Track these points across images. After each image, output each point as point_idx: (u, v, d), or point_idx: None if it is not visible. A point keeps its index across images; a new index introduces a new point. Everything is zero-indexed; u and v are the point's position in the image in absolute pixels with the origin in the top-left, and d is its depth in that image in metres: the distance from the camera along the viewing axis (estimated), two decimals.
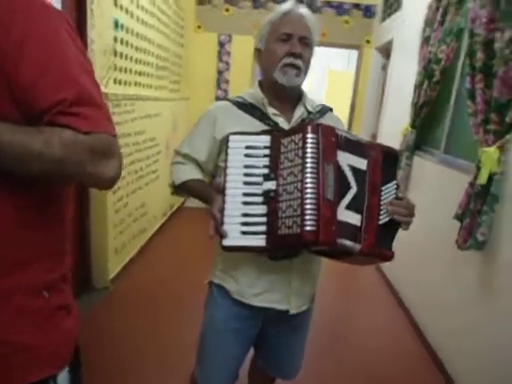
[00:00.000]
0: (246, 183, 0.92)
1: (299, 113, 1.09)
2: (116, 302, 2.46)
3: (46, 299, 0.69)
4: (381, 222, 0.92)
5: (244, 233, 0.90)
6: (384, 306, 2.78)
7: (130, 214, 2.84)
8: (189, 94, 4.38)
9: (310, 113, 1.11)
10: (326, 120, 1.12)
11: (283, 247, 0.93)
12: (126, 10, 2.48)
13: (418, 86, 2.63)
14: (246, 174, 0.92)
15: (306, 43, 1.04)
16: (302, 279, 1.09)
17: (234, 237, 0.90)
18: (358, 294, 3.04)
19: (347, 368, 2.07)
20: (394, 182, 0.95)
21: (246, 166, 0.92)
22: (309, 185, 0.83)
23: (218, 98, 4.43)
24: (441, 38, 2.36)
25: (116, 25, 2.36)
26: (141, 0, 2.70)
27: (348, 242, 0.87)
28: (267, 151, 0.92)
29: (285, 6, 1.05)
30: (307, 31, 1.04)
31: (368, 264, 1.09)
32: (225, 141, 0.95)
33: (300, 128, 0.90)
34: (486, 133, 1.72)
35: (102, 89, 0.68)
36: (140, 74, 2.83)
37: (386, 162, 0.94)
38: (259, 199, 0.90)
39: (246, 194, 0.91)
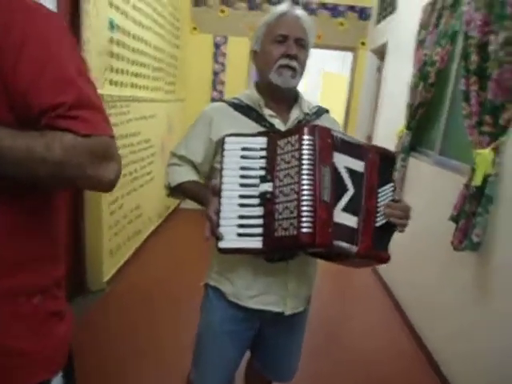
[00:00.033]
0: (242, 185, 0.91)
1: (295, 114, 1.09)
2: (111, 305, 2.44)
3: (40, 304, 0.68)
4: (377, 225, 0.92)
5: (240, 235, 0.90)
6: (380, 308, 2.78)
7: (125, 215, 2.82)
8: (184, 96, 4.37)
9: (306, 114, 1.11)
10: (322, 121, 1.11)
11: (280, 249, 0.93)
12: (122, 11, 2.47)
13: (413, 88, 2.64)
14: (243, 176, 0.91)
15: (302, 45, 1.04)
16: (298, 281, 1.09)
17: (230, 239, 0.90)
18: (354, 295, 3.04)
19: (342, 369, 2.07)
20: (391, 184, 0.95)
21: (243, 168, 0.92)
22: (305, 187, 0.83)
23: (213, 100, 4.42)
24: (436, 40, 2.37)
25: (112, 26, 2.35)
26: (136, 1, 2.69)
27: (344, 244, 0.87)
28: (263, 153, 0.92)
29: (280, 8, 1.05)
30: (303, 33, 1.04)
31: (364, 266, 1.09)
32: (221, 142, 0.95)
33: (296, 130, 0.90)
34: (480, 135, 1.72)
35: (98, 90, 0.68)
36: (136, 75, 2.81)
37: (383, 164, 0.94)
38: (255, 201, 0.90)
39: (242, 196, 0.91)
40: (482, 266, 1.77)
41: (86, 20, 2.06)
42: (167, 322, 2.30)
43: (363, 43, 4.37)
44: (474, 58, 1.75)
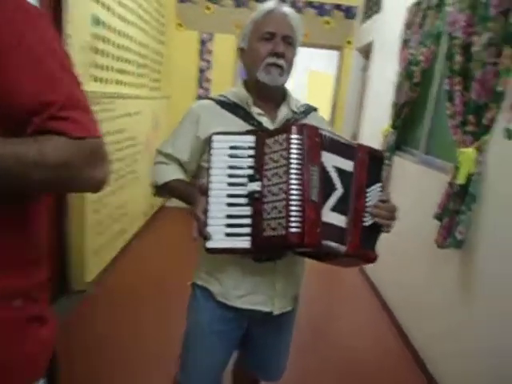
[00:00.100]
0: (230, 184, 0.90)
1: (284, 113, 1.08)
2: (95, 305, 2.39)
3: (20, 309, 0.66)
4: (365, 224, 0.92)
5: (228, 234, 0.89)
6: (367, 308, 2.80)
7: (109, 214, 2.77)
8: (170, 93, 4.32)
9: (294, 113, 1.10)
10: (310, 120, 1.11)
11: (268, 249, 0.92)
12: (107, 7, 2.42)
13: (399, 87, 2.67)
14: (231, 175, 0.90)
15: (290, 42, 1.03)
16: (286, 281, 1.08)
17: (218, 239, 0.89)
18: (342, 295, 3.05)
19: (329, 366, 2.09)
20: (379, 184, 0.95)
21: (231, 167, 0.90)
22: (294, 186, 0.82)
23: (199, 97, 4.39)
24: (421, 40, 2.40)
25: (97, 22, 2.30)
26: None
27: (333, 244, 0.87)
28: (252, 152, 0.91)
29: (268, 5, 1.04)
30: (290, 30, 1.03)
31: (351, 266, 1.10)
32: (208, 141, 0.93)
33: (284, 128, 0.89)
34: (464, 134, 1.75)
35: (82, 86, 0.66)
36: (120, 71, 2.76)
37: (372, 164, 0.94)
38: (244, 200, 0.89)
39: (230, 195, 0.89)
40: (465, 264, 1.80)
41: (67, 15, 2.01)
42: (153, 321, 2.28)
43: (349, 42, 4.40)
44: (458, 58, 1.78)
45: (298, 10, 4.22)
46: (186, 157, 1.08)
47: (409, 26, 2.62)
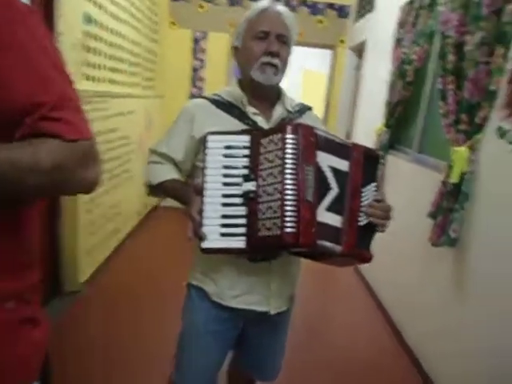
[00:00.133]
0: (225, 184, 0.90)
1: (279, 112, 1.08)
2: (88, 306, 2.37)
3: (12, 311, 0.65)
4: (361, 224, 0.92)
5: (223, 234, 0.89)
6: (362, 307, 2.80)
7: (102, 214, 2.75)
8: (163, 92, 4.29)
9: (289, 112, 1.10)
10: (304, 119, 1.11)
11: (263, 249, 0.92)
12: (99, 5, 2.40)
13: (392, 86, 2.68)
14: (226, 175, 0.90)
15: (284, 41, 1.02)
16: (281, 281, 1.08)
17: (214, 239, 0.88)
18: (337, 294, 3.06)
19: (325, 365, 2.09)
20: (374, 183, 0.95)
21: (225, 167, 0.90)
22: (289, 186, 0.82)
23: (193, 96, 4.37)
24: (413, 39, 2.41)
25: (89, 20, 2.28)
26: None
27: (328, 244, 0.87)
28: (247, 151, 0.90)
29: (262, 4, 1.03)
30: (285, 29, 1.02)
31: (346, 265, 1.10)
32: (203, 140, 0.92)
33: (279, 128, 0.89)
34: (457, 133, 1.76)
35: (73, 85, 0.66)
36: (113, 70, 2.74)
37: (367, 164, 0.94)
38: (239, 200, 0.89)
39: (225, 195, 0.89)
40: (459, 263, 1.81)
41: (59, 12, 1.98)
42: (147, 322, 2.26)
43: (342, 41, 4.41)
44: (450, 57, 1.79)
45: (292, 8, 4.21)
46: (180, 156, 1.07)
47: (402, 25, 2.63)
